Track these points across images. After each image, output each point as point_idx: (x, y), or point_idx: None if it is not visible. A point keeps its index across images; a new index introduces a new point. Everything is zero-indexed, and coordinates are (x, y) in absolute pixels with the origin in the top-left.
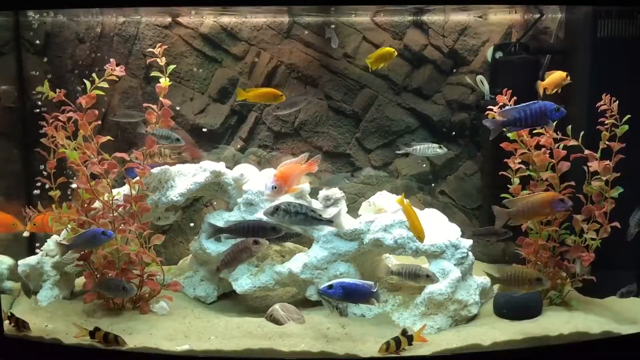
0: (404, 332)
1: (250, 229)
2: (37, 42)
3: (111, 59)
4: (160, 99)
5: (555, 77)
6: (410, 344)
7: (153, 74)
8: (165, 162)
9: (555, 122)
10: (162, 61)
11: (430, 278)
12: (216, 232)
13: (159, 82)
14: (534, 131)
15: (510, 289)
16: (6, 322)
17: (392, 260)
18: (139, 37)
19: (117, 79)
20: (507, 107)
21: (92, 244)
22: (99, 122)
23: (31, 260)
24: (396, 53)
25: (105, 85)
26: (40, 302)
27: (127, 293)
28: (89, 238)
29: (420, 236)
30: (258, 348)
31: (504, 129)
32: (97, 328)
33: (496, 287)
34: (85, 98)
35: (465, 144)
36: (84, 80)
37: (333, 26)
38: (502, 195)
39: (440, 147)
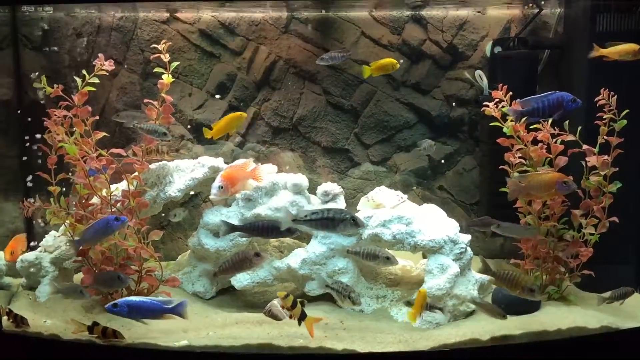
0: (302, 316)
1: (264, 228)
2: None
3: (99, 54)
4: (162, 95)
5: (623, 47)
6: (299, 322)
7: (156, 69)
8: (162, 158)
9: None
10: (165, 57)
11: (390, 260)
12: (231, 230)
13: (161, 79)
14: (531, 126)
15: (501, 285)
16: (4, 317)
17: None
18: (137, 32)
19: (107, 73)
20: (527, 97)
21: (106, 233)
22: (96, 117)
23: (30, 256)
24: (398, 65)
25: (96, 80)
26: (38, 298)
27: (123, 283)
28: (102, 227)
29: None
30: (256, 343)
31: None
32: (95, 323)
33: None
34: (77, 95)
35: (464, 139)
36: (81, 76)
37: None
38: (501, 190)
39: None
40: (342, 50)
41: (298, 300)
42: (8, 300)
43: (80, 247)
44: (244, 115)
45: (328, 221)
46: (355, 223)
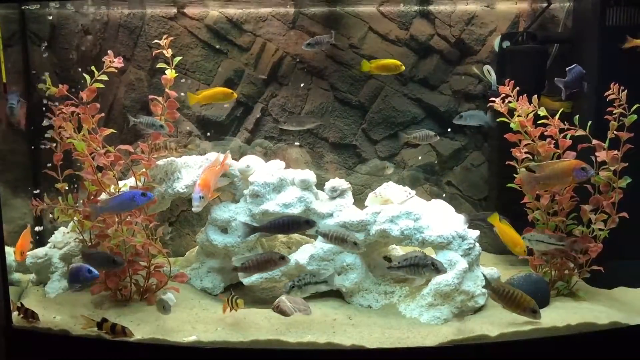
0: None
1: (284, 224)
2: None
3: (109, 51)
4: (166, 90)
5: None
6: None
7: (159, 65)
8: (171, 155)
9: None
10: (168, 53)
11: (357, 245)
12: (252, 232)
13: (165, 74)
14: (539, 121)
15: (500, 302)
16: (15, 313)
17: (399, 251)
18: (145, 28)
19: (116, 70)
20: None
21: (130, 206)
22: (102, 114)
23: (39, 252)
24: (403, 67)
25: (104, 77)
26: (48, 294)
27: (119, 266)
28: (127, 199)
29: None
30: (265, 339)
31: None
32: (104, 319)
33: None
34: (85, 92)
35: (472, 135)
36: (88, 72)
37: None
38: (509, 185)
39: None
40: (328, 34)
41: (234, 298)
42: (18, 296)
43: (99, 214)
44: (235, 95)
45: (414, 267)
46: (436, 268)
